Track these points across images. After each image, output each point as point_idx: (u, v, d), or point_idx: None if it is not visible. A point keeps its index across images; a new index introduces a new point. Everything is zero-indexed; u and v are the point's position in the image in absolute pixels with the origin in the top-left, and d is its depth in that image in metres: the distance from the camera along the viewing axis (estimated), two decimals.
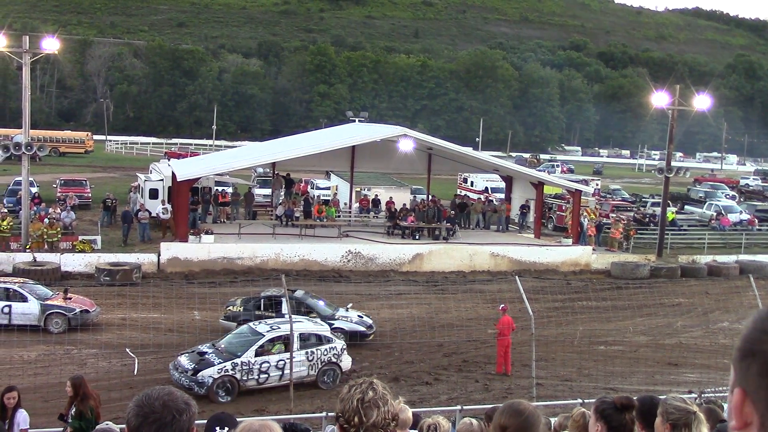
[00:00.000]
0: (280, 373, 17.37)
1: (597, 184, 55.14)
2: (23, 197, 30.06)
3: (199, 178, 33.33)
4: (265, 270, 28.65)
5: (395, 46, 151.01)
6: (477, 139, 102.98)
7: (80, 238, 29.84)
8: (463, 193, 46.17)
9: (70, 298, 21.77)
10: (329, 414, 12.21)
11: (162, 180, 35.73)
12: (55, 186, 42.02)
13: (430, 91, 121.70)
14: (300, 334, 17.75)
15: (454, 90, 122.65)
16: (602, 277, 32.17)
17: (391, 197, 38.72)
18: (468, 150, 41.02)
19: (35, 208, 31.82)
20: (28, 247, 28.36)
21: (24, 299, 21.21)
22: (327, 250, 30.80)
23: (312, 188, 45.54)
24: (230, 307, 21.40)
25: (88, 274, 27.03)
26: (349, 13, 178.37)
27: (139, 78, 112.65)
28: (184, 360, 17.30)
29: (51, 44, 30.75)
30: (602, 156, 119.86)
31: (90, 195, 40.76)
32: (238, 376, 16.98)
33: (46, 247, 28.46)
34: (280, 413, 15.42)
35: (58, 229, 29.39)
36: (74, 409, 9.87)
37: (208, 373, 16.72)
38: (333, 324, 20.78)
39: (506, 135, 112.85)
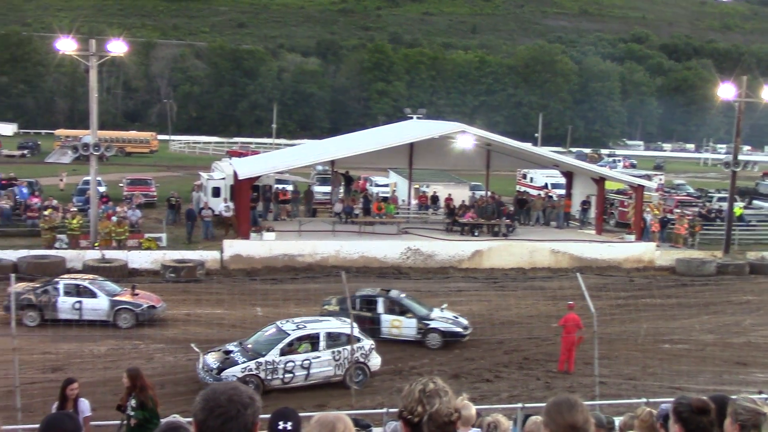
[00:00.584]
0: (306, 372, 17.26)
1: (660, 179, 53.93)
2: (92, 196, 30.98)
3: (260, 176, 33.80)
4: (325, 267, 28.91)
5: (453, 43, 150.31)
6: (536, 134, 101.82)
7: (146, 235, 30.62)
8: (523, 189, 45.75)
9: (137, 294, 22.27)
10: (390, 410, 12.28)
11: (224, 178, 36.35)
12: (121, 185, 43.18)
13: (488, 86, 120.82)
14: (327, 333, 17.64)
15: (512, 85, 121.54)
16: (666, 273, 31.48)
17: (449, 194, 38.62)
18: (527, 145, 40.70)
19: (103, 207, 32.74)
20: (96, 244, 29.23)
21: (94, 295, 21.80)
22: (386, 246, 30.90)
23: (371, 185, 45.72)
24: (326, 306, 21.25)
25: (154, 271, 27.70)
26: (406, 10, 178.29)
27: (201, 78, 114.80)
28: (210, 359, 17.29)
29: (117, 47, 31.53)
30: (666, 150, 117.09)
31: (155, 194, 41.78)
32: (262, 375, 16.87)
33: (114, 244, 29.28)
34: (341, 409, 15.55)
35: (126, 227, 30.20)
36: (134, 400, 10.13)
37: (232, 372, 16.67)
38: (429, 324, 20.59)
39: (566, 130, 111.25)
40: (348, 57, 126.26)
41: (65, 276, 23.50)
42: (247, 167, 34.57)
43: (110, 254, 28.14)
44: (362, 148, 35.42)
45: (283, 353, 17.13)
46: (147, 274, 27.68)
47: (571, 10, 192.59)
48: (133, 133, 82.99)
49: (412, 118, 44.03)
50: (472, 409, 6.19)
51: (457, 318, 21.38)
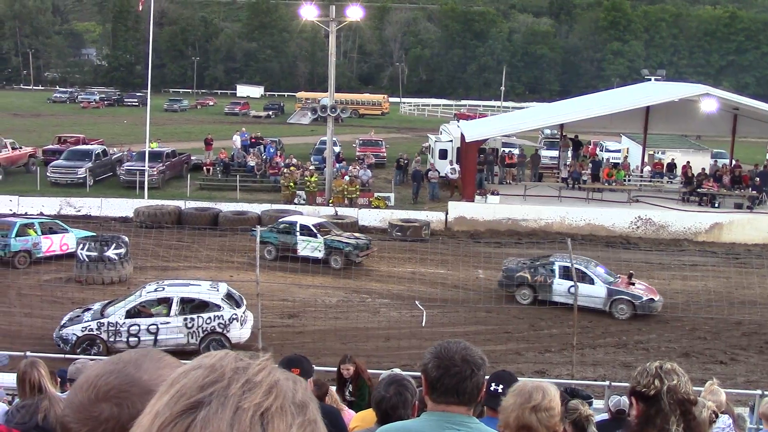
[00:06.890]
0: (153, 337, 16.36)
1: None
2: (327, 156, 32.83)
3: (487, 139, 33.77)
4: (549, 233, 28.45)
5: None
6: None
7: (375, 194, 31.94)
8: None
9: (633, 284, 20.73)
10: (613, 383, 11.90)
11: (451, 141, 36.79)
12: (354, 146, 45.25)
13: (738, 45, 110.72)
14: (181, 299, 16.72)
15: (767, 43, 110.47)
16: None
17: (687, 161, 36.14)
18: None
19: (338, 166, 34.57)
20: (330, 201, 31.02)
21: (591, 281, 20.38)
22: (615, 215, 29.75)
23: (601, 150, 44.04)
24: None
25: (382, 229, 28.88)
26: None
27: (432, 41, 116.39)
28: (68, 313, 16.99)
29: (354, 12, 32.85)
30: None
31: (385, 154, 43.29)
32: (104, 336, 16.23)
33: (345, 202, 30.89)
34: (561, 377, 15.34)
35: (357, 186, 31.70)
36: (351, 386, 10.11)
37: (72, 331, 16.28)
38: None
39: None
40: (582, 16, 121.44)
41: (557, 255, 21.57)
42: (475, 130, 34.67)
43: (342, 211, 29.72)
44: (593, 111, 34.13)
45: (129, 315, 16.49)
46: (375, 231, 28.90)
47: None
48: (366, 96, 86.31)
49: (649, 79, 41.64)
50: (722, 395, 5.82)
51: None
